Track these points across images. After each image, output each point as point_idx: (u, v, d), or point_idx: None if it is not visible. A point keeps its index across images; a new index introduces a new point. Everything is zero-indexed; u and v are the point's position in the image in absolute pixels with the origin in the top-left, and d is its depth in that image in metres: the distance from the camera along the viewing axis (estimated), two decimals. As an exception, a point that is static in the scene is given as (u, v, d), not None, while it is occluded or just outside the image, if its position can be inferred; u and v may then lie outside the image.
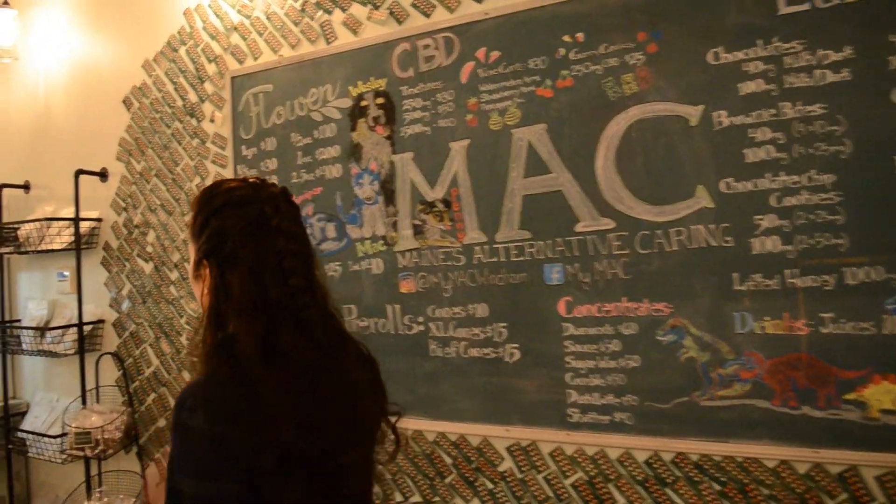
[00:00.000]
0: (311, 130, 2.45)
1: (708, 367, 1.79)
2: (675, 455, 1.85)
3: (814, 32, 1.68)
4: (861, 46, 1.63)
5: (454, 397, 2.17)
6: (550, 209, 2.00)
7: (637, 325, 1.89)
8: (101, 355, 3.02)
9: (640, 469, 1.90)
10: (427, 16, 2.23)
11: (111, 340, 3.05)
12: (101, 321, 3.06)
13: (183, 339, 2.80)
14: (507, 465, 2.10)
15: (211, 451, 0.91)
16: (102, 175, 3.05)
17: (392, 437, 1.15)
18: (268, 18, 2.57)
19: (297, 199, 2.43)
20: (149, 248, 2.92)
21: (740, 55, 1.77)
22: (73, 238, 2.96)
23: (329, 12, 2.43)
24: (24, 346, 3.15)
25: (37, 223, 3.04)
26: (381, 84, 2.30)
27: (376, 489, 2.27)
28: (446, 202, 2.18)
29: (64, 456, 2.87)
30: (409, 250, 2.25)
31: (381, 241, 2.30)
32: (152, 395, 2.93)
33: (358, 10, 2.37)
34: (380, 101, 2.30)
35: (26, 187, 3.36)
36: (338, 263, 2.38)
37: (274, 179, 2.46)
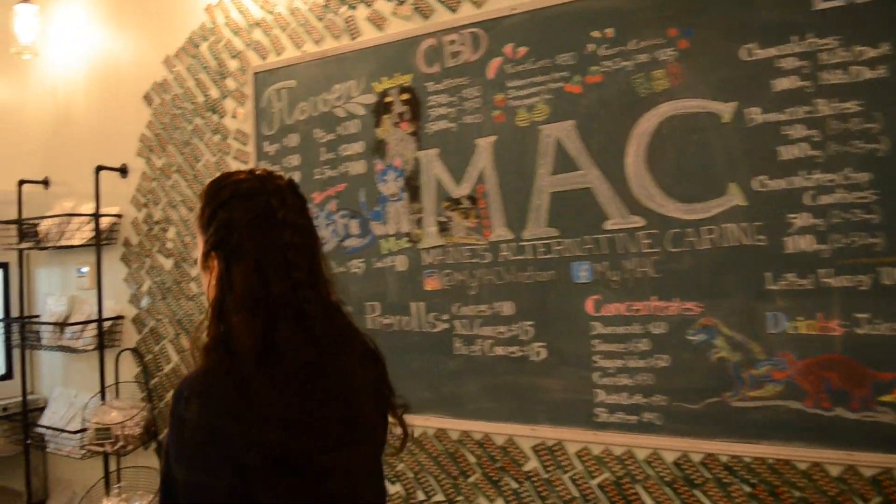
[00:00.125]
0: (334, 126, 2.43)
1: (739, 367, 1.77)
2: (704, 456, 1.83)
3: (850, 28, 1.66)
4: (899, 43, 1.60)
5: (479, 396, 2.15)
6: (579, 206, 1.99)
7: (667, 324, 1.87)
8: (121, 351, 3.02)
9: (669, 470, 1.88)
10: (453, 11, 2.21)
11: (130, 336, 3.05)
12: (121, 317, 3.06)
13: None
14: (532, 464, 2.09)
15: (203, 444, 0.92)
16: (123, 171, 3.05)
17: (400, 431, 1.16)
18: (291, 14, 2.56)
19: (321, 196, 2.44)
20: (169, 245, 2.91)
21: (774, 51, 1.75)
22: (92, 234, 2.96)
23: (353, 7, 2.41)
24: (43, 342, 3.16)
25: (57, 219, 3.04)
26: (406, 80, 2.29)
27: (398, 488, 2.27)
28: (472, 199, 2.16)
29: (83, 451, 2.88)
30: (434, 247, 2.23)
31: (406, 238, 2.29)
32: (171, 392, 2.91)
33: (383, 6, 2.35)
34: (405, 97, 2.29)
35: (46, 183, 3.35)
36: (361, 260, 2.37)
37: (297, 176, 2.46)
